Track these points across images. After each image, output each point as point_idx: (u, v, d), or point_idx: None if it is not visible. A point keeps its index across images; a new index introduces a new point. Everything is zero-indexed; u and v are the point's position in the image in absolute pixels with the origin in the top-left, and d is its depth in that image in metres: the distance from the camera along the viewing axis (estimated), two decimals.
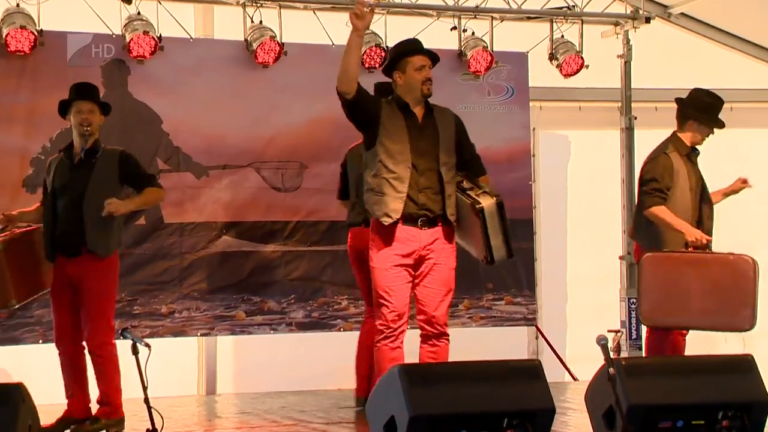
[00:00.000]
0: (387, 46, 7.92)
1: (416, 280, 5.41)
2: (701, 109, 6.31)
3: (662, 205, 6.17)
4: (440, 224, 5.40)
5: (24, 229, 6.02)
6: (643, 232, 6.32)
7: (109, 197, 5.77)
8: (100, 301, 5.85)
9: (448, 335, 5.48)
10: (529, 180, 8.60)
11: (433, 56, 5.53)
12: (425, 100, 5.47)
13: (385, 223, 5.35)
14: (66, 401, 6.00)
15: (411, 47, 5.52)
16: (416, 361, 5.41)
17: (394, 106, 5.45)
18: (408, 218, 5.35)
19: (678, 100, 6.44)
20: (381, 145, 5.37)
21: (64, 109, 6.00)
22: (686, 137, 6.36)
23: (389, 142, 5.36)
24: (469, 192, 5.42)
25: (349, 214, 6.73)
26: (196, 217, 7.76)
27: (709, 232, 6.24)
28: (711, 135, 6.39)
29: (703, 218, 6.30)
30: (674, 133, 6.40)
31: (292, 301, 7.97)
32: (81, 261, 5.83)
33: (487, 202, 5.29)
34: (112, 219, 5.85)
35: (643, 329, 7.98)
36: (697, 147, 6.41)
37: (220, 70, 7.82)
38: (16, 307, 6.15)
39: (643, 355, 7.63)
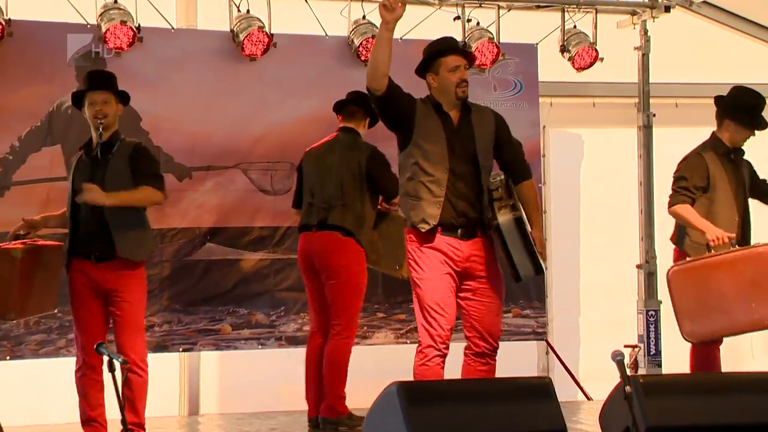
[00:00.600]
0: None
1: (463, 293, 5.46)
2: (740, 109, 6.38)
3: (687, 203, 6.23)
4: (479, 235, 5.46)
5: (46, 243, 5.97)
6: (681, 234, 6.39)
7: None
8: (139, 313, 5.87)
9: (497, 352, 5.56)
10: (538, 182, 8.49)
11: (468, 55, 5.60)
12: (461, 102, 5.52)
13: (423, 230, 5.41)
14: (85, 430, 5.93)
15: (444, 46, 5.57)
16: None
17: (430, 106, 5.52)
18: (447, 227, 5.41)
19: (717, 99, 6.51)
20: (416, 147, 5.43)
21: (78, 101, 5.97)
22: (725, 137, 6.45)
23: (425, 143, 5.43)
24: (494, 204, 5.46)
25: (302, 216, 6.81)
26: (178, 223, 7.77)
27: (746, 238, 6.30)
28: (752, 136, 6.45)
29: (747, 222, 6.38)
30: (713, 134, 6.50)
31: (282, 313, 7.98)
32: (113, 267, 5.80)
33: (504, 218, 5.34)
34: (140, 219, 5.84)
35: (663, 344, 8.02)
36: (741, 147, 6.47)
37: (203, 63, 7.83)
38: (13, 321, 6.11)
39: (663, 371, 7.65)
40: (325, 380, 6.68)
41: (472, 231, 5.45)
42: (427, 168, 5.42)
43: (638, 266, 8.60)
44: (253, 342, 7.92)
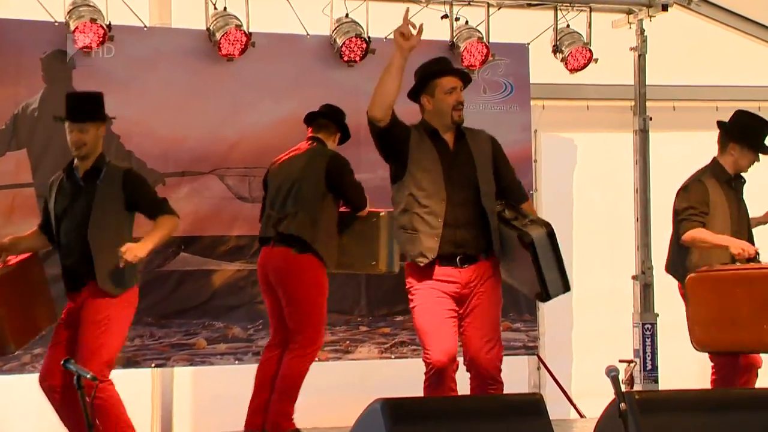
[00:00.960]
0: (368, 37, 7.96)
1: (461, 320, 5.49)
2: (747, 133, 6.46)
3: (699, 227, 6.32)
4: (481, 258, 5.47)
5: (19, 259, 5.95)
6: (680, 268, 6.44)
7: (117, 226, 5.79)
8: (101, 337, 5.79)
9: (500, 383, 5.53)
10: (530, 189, 8.56)
11: (464, 77, 5.61)
12: (456, 126, 5.53)
13: (421, 264, 5.44)
14: None
15: (439, 67, 5.59)
16: None
17: (423, 132, 5.52)
18: (445, 258, 5.41)
19: (719, 124, 6.59)
20: (411, 177, 5.45)
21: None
22: (727, 163, 6.52)
23: (420, 172, 5.44)
24: (513, 222, 5.48)
25: (260, 228, 6.86)
26: None
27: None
28: (756, 162, 6.53)
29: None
30: (714, 159, 6.57)
31: (260, 327, 7.93)
32: (85, 291, 5.84)
33: (536, 233, 5.36)
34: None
35: (660, 359, 8.02)
36: (742, 175, 6.55)
37: (178, 63, 7.82)
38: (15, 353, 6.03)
39: (660, 387, 7.65)
40: (275, 395, 6.68)
41: (473, 257, 5.46)
42: (422, 199, 5.43)
43: (634, 277, 8.58)
44: (230, 357, 7.91)
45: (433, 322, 5.42)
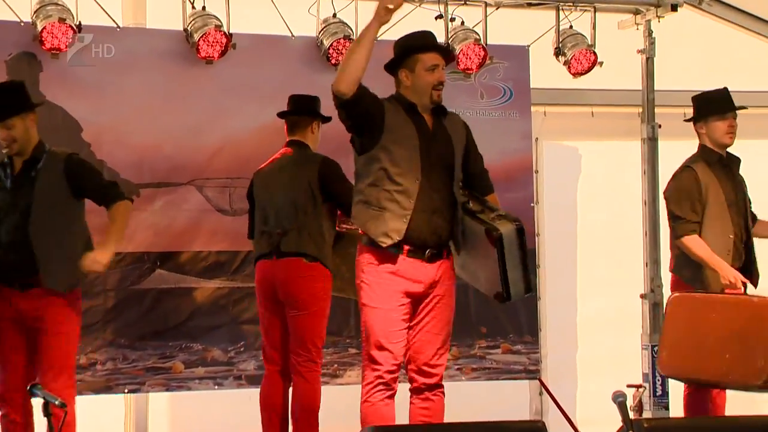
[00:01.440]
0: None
1: (412, 322, 5.46)
2: (700, 109, 6.67)
3: (694, 233, 6.38)
4: (445, 255, 5.44)
5: None
6: (683, 263, 6.49)
7: (64, 217, 5.75)
8: (66, 347, 5.79)
9: (442, 387, 5.53)
10: (530, 201, 8.62)
11: (448, 55, 5.61)
12: (434, 106, 5.51)
13: (383, 245, 5.36)
14: None
15: (422, 42, 5.56)
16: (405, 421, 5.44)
17: (399, 107, 5.48)
18: (417, 246, 5.35)
19: (692, 118, 6.76)
20: (384, 151, 5.39)
21: None
22: (709, 141, 6.68)
23: (395, 147, 5.39)
24: (480, 215, 5.43)
25: (255, 246, 6.82)
26: (124, 247, 7.67)
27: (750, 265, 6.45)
28: (733, 126, 6.63)
29: (749, 238, 6.51)
30: (700, 144, 6.74)
31: (242, 349, 7.95)
32: (36, 295, 5.80)
33: (506, 228, 5.30)
34: (73, 244, 5.80)
35: (671, 384, 7.99)
36: (732, 153, 6.66)
37: (153, 66, 7.82)
38: None
39: (671, 414, 7.60)
40: (298, 428, 6.62)
41: (440, 252, 5.42)
42: (395, 175, 5.37)
43: (642, 296, 8.56)
44: (209, 381, 7.89)
45: (388, 334, 5.39)
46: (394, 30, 7.62)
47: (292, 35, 7.95)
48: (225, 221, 7.93)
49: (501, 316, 8.41)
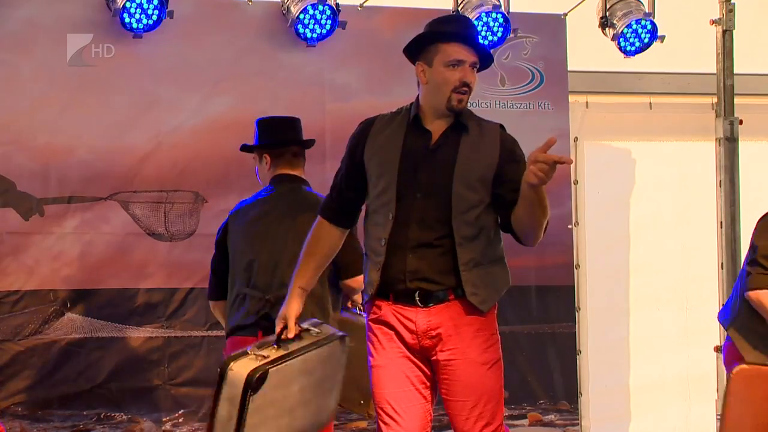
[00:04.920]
0: (336, 5, 7.87)
1: (439, 385, 5.55)
2: None
3: None
4: (452, 297, 5.40)
5: None
6: (745, 324, 6.42)
7: None
8: None
9: None
10: (567, 223, 8.67)
11: (481, 51, 5.47)
12: (456, 114, 5.46)
13: (365, 300, 5.57)
14: None
15: (447, 28, 5.48)
16: None
17: (399, 118, 5.51)
18: (398, 294, 5.43)
19: None
20: (371, 184, 5.51)
21: None
22: None
23: (376, 176, 5.48)
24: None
25: (231, 314, 6.65)
26: (22, 284, 7.74)
27: None
28: None
29: None
30: None
31: (181, 420, 7.97)
32: None
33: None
34: None
35: None
36: None
37: (61, 41, 7.82)
38: None
39: None
40: None
41: (438, 295, 5.40)
42: (373, 207, 5.48)
43: (717, 349, 8.32)
44: None
45: (394, 392, 5.46)
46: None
47: (250, 1, 7.99)
48: (159, 248, 7.98)
49: (528, 376, 8.46)
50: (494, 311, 5.50)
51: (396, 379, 5.49)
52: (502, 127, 5.64)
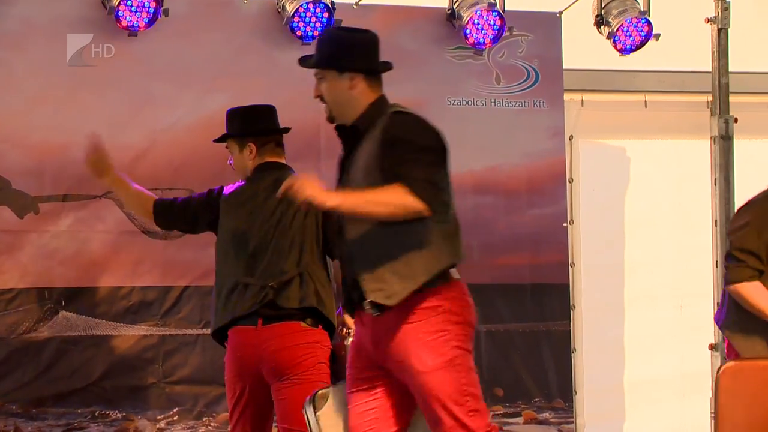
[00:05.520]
0: (332, 2, 7.90)
1: None
2: None
3: (754, 279, 6.27)
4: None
5: None
6: (734, 319, 6.40)
7: None
8: None
9: None
10: (562, 221, 8.65)
11: (305, 62, 5.45)
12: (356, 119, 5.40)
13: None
14: None
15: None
16: None
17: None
18: (348, 305, 5.47)
19: None
20: None
21: None
22: None
23: None
24: None
25: (222, 303, 6.52)
26: (16, 282, 7.77)
27: None
28: None
29: None
30: None
31: (175, 418, 7.99)
32: None
33: None
34: None
35: None
36: None
37: (56, 39, 7.84)
38: None
39: None
40: None
41: (373, 304, 5.30)
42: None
43: (711, 347, 8.45)
44: None
45: (353, 424, 5.40)
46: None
47: None
48: (154, 246, 8.01)
49: (523, 374, 8.47)
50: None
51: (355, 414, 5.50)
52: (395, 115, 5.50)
